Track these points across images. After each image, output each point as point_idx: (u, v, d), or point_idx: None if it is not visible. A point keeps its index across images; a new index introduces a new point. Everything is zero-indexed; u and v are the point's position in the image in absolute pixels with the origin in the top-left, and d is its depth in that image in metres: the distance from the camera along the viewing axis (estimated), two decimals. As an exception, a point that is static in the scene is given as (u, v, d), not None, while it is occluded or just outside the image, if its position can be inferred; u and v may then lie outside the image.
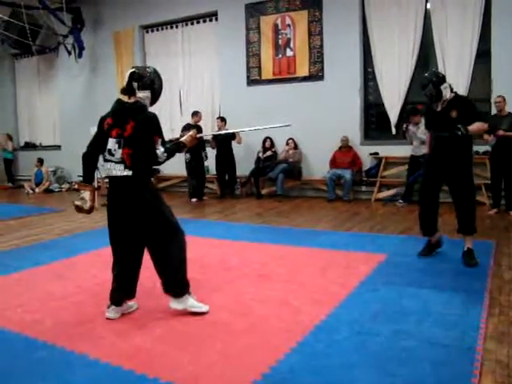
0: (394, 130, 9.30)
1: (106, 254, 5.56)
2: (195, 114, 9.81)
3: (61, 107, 13.87)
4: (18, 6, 11.09)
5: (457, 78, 8.56)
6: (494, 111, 7.95)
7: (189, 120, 9.91)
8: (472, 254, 4.73)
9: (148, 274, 3.77)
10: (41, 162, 12.81)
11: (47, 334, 3.27)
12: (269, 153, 9.96)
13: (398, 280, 4.24)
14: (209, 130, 10.80)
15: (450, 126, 4.57)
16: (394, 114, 9.24)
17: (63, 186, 12.86)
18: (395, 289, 4.01)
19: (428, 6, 8.85)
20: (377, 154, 9.29)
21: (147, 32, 12.18)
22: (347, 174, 9.08)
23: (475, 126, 4.58)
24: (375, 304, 3.67)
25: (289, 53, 10.06)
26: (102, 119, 3.54)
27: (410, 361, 2.77)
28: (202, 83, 11.37)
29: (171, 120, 11.64)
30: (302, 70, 9.92)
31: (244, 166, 10.14)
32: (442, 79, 4.67)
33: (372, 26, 9.29)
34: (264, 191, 10.07)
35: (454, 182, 4.77)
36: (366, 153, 9.40)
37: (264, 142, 10.05)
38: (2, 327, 3.41)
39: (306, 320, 3.39)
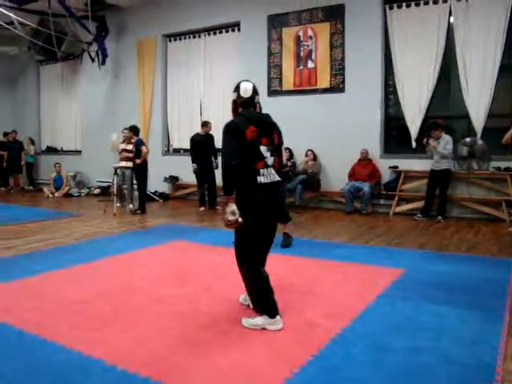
0: (414, 144, 9.24)
1: (124, 259, 5.63)
2: (205, 124, 10.00)
3: (83, 113, 14.07)
4: (46, 14, 11.31)
5: (479, 92, 8.52)
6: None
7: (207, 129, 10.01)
8: None
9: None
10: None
11: (65, 337, 3.29)
12: (288, 164, 9.96)
13: (415, 295, 4.20)
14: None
15: None
16: (414, 128, 9.19)
17: (82, 190, 13.01)
18: (413, 304, 3.97)
19: (451, 19, 8.81)
20: (396, 167, 9.25)
21: (170, 41, 12.32)
22: (366, 187, 9.05)
23: None
24: (392, 319, 3.64)
25: (310, 64, 10.08)
26: (242, 127, 3.48)
27: (426, 378, 2.74)
28: (222, 92, 11.42)
29: (191, 128, 11.70)
30: (323, 81, 9.93)
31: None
32: None
33: (394, 39, 9.29)
34: (282, 202, 10.04)
35: None
36: (385, 166, 9.37)
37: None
38: (20, 329, 3.45)
39: (321, 333, 3.37)
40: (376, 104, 9.42)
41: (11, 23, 11.80)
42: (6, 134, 14.31)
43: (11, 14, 11.33)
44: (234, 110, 3.70)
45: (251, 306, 3.77)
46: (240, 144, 3.44)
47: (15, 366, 2.92)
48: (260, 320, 3.51)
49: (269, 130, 3.63)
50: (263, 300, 3.54)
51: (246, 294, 3.85)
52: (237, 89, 3.67)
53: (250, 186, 3.50)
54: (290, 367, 2.84)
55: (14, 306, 3.97)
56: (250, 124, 3.50)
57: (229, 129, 3.49)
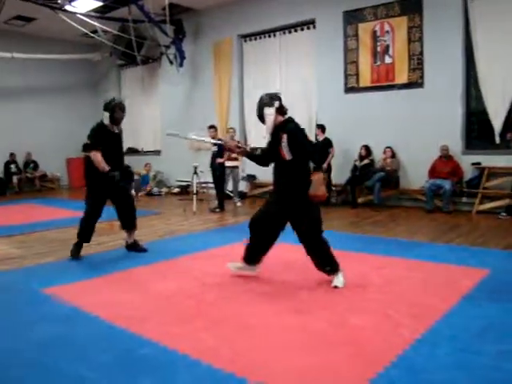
0: (497, 139, 8.85)
1: (204, 256, 5.76)
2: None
3: (162, 114, 14.50)
4: (127, 20, 11.77)
5: None
6: None
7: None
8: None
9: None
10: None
11: (152, 331, 3.42)
12: (366, 161, 9.80)
13: (503, 297, 4.04)
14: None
15: None
16: (498, 122, 8.78)
17: (162, 189, 13.41)
18: (501, 306, 3.82)
19: (539, 7, 8.37)
20: (479, 163, 8.89)
21: (245, 41, 12.46)
22: (447, 185, 8.76)
23: None
24: (479, 321, 3.52)
25: (387, 60, 9.88)
26: None
27: (517, 383, 2.64)
28: (298, 91, 11.42)
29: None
30: (401, 77, 9.71)
31: (340, 174, 10.08)
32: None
33: (476, 28, 8.88)
34: (360, 200, 9.92)
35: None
36: (467, 163, 9.03)
37: (360, 150, 9.90)
38: (110, 322, 3.62)
39: (405, 333, 3.32)
40: (456, 98, 9.10)
41: (95, 31, 12.40)
42: None
43: (95, 23, 11.92)
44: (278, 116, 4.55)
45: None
46: None
47: (107, 357, 3.06)
48: (340, 276, 4.42)
49: None
50: (335, 260, 4.41)
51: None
52: (278, 98, 4.52)
53: (308, 179, 4.26)
54: (374, 367, 2.82)
55: (105, 300, 4.17)
56: None
57: (303, 131, 4.52)
